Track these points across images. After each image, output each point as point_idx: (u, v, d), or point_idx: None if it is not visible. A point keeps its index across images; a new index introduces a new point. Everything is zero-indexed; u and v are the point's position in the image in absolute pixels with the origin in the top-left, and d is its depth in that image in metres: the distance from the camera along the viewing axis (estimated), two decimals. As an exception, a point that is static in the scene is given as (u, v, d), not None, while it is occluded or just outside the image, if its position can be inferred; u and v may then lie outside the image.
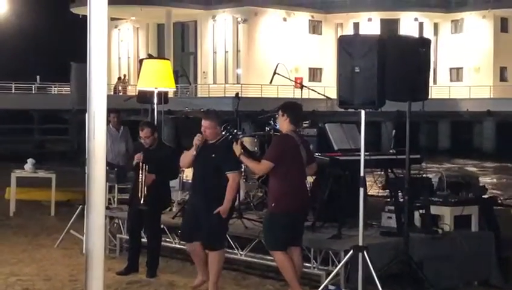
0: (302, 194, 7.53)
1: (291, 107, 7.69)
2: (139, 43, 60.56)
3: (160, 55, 55.55)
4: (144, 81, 9.95)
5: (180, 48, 57.89)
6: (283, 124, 7.58)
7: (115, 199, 12.78)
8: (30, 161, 14.54)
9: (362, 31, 55.12)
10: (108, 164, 13.15)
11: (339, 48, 7.25)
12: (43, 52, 58.93)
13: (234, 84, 51.59)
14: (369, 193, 9.72)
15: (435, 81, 54.63)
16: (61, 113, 46.83)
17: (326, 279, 7.78)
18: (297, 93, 47.36)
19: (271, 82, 10.77)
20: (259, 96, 45.81)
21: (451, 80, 56.09)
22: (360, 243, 7.30)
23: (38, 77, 50.27)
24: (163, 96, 10.70)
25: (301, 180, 7.54)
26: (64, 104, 45.48)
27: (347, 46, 7.15)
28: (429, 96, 7.89)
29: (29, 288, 8.28)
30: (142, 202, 8.61)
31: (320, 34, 57.29)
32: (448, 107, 47.19)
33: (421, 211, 8.51)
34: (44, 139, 46.90)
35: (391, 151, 8.92)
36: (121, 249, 10.32)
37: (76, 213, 10.86)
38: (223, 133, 7.76)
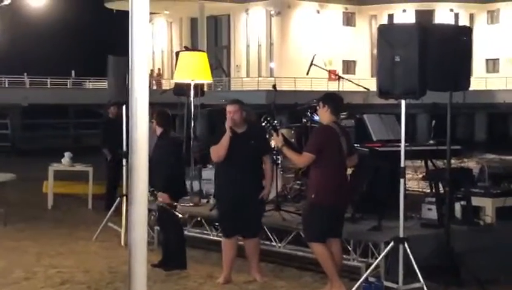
0: (343, 185, 7.46)
1: (332, 98, 7.63)
2: (172, 37, 60.70)
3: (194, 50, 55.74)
4: (180, 73, 9.95)
5: (213, 41, 57.90)
6: (324, 115, 7.52)
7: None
8: (67, 154, 14.64)
9: (397, 21, 54.72)
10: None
11: (378, 38, 7.15)
12: (78, 47, 59.36)
13: (267, 77, 51.52)
14: (408, 185, 9.64)
15: (471, 73, 53.97)
16: (97, 108, 47.19)
17: (366, 271, 7.71)
18: (331, 86, 47.37)
19: (307, 73, 10.71)
20: (293, 89, 45.68)
21: (487, 71, 55.44)
22: (401, 235, 7.21)
23: (73, 71, 50.68)
24: (199, 89, 10.70)
25: (342, 172, 7.47)
26: (99, 99, 45.83)
27: (387, 36, 7.06)
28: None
29: (69, 280, 8.32)
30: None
31: (354, 26, 56.98)
32: (484, 98, 46.68)
33: (462, 202, 8.39)
34: (79, 133, 47.26)
35: (431, 142, 8.81)
36: (159, 242, 10.34)
37: (114, 205, 10.90)
38: (263, 124, 7.75)
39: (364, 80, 45.60)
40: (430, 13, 55.03)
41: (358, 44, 55.04)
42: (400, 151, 7.99)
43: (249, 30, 55.50)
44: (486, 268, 7.92)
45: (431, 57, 7.09)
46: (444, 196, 8.18)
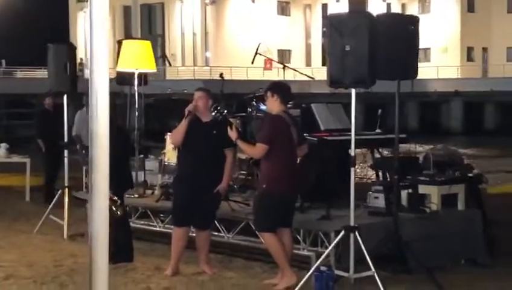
0: (294, 175, 7.43)
1: (280, 88, 7.59)
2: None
3: (127, 37, 55.17)
4: (124, 62, 9.76)
5: (147, 30, 57.39)
6: (273, 104, 7.47)
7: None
8: (3, 145, 14.30)
9: (330, 12, 55.14)
10: (85, 147, 12.98)
11: (328, 27, 7.14)
12: (8, 36, 58.05)
13: (203, 66, 51.36)
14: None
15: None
16: (28, 98, 46.28)
17: (316, 260, 7.72)
18: (267, 75, 47.29)
19: (253, 62, 10.62)
20: (229, 78, 45.60)
21: (419, 61, 56.20)
22: (351, 223, 7.24)
23: (3, 61, 49.58)
24: (143, 78, 10.55)
25: (293, 161, 7.44)
26: (30, 88, 45.03)
27: (337, 24, 7.05)
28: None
29: (12, 274, 8.09)
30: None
31: (289, 15, 57.25)
32: (416, 87, 47.29)
33: (408, 190, 8.47)
34: (12, 124, 46.29)
35: (377, 131, 8.86)
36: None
37: (55, 198, 10.67)
38: (213, 114, 7.67)
39: (299, 69, 45.95)
40: (363, 3, 55.59)
41: (293, 33, 55.29)
42: (348, 140, 8.05)
43: (184, 19, 55.20)
44: (433, 255, 8.03)
45: (380, 46, 7.11)
46: (391, 184, 8.23)
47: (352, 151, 7.23)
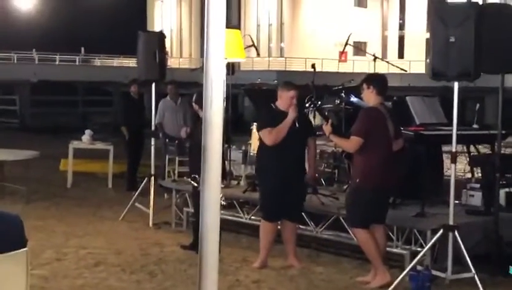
0: (389, 169, 7.18)
1: (376, 79, 7.36)
2: (181, 15, 60.28)
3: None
4: (213, 51, 9.60)
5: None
6: (369, 96, 7.24)
7: (176, 172, 12.57)
8: (88, 132, 14.39)
9: (408, 4, 54.29)
10: (167, 136, 12.95)
11: (432, 17, 6.86)
12: (87, 24, 59.01)
13: (277, 57, 51.15)
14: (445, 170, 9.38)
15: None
16: (105, 85, 46.92)
17: (410, 259, 7.48)
18: (341, 67, 46.72)
19: (343, 52, 10.34)
20: (303, 70, 45.33)
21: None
22: (451, 222, 6.96)
23: (82, 48, 50.38)
24: (231, 68, 10.42)
25: (389, 155, 7.18)
26: (107, 76, 45.68)
27: (442, 14, 6.76)
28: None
29: (102, 261, 8.07)
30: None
31: (366, 7, 56.47)
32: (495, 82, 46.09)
33: (508, 189, 8.12)
34: (88, 111, 47.01)
35: (475, 126, 8.54)
36: (187, 223, 10.12)
37: (141, 186, 10.65)
38: (307, 105, 7.49)
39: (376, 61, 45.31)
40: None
41: (369, 25, 54.54)
42: (445, 135, 7.77)
43: (260, 10, 55.04)
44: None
45: (485, 38, 6.79)
46: (490, 182, 7.91)
47: (453, 147, 6.95)
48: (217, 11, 3.59)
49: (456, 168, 7.28)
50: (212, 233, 3.82)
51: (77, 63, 49.77)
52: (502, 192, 8.22)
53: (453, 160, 6.96)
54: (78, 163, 14.89)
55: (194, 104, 8.49)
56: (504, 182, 8.15)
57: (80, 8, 60.09)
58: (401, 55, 52.05)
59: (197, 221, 8.82)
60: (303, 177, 7.77)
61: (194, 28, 57.05)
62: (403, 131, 7.98)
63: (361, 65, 43.18)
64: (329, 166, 10.40)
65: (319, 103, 7.54)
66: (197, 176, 8.26)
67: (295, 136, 7.64)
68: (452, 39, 6.67)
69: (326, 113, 7.61)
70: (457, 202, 8.56)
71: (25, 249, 4.31)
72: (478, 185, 8.50)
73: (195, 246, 8.68)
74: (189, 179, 8.45)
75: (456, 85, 6.87)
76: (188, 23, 56.69)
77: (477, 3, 6.88)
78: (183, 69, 44.46)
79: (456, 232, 6.85)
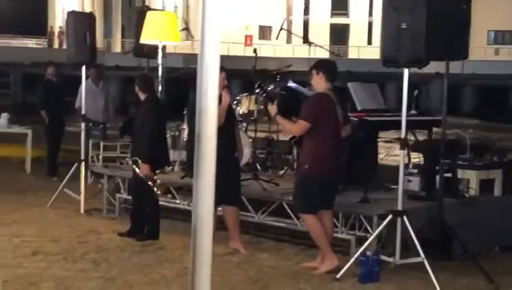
0: (338, 156, 7.19)
1: (326, 65, 7.34)
2: (84, -4, 58.87)
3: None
4: (148, 33, 9.39)
5: (127, 2, 56.57)
6: (319, 82, 7.22)
7: (100, 157, 12.28)
8: (4, 115, 13.90)
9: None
10: (91, 120, 12.60)
11: (384, 3, 6.88)
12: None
13: (184, 40, 50.67)
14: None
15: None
16: (2, 67, 45.44)
17: (355, 244, 7.54)
18: (248, 51, 47.03)
19: (277, 38, 10.32)
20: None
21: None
22: (399, 208, 7.03)
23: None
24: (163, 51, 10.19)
25: (337, 142, 7.19)
26: (5, 57, 44.21)
27: (393, 1, 6.79)
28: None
29: (39, 250, 7.77)
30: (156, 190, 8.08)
31: (271, -9, 56.75)
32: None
33: (446, 174, 8.26)
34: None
35: (413, 112, 8.65)
36: (120, 209, 9.90)
37: (71, 171, 10.32)
38: (257, 91, 7.40)
39: (279, 46, 45.64)
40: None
41: (274, 10, 54.81)
42: (387, 121, 7.85)
43: (165, -8, 54.45)
44: (472, 242, 7.86)
45: (435, 24, 6.86)
46: (429, 167, 8.05)
47: (402, 133, 7.01)
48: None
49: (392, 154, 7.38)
50: (206, 226, 3.67)
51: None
52: (437, 177, 8.35)
53: (403, 146, 7.01)
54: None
55: (136, 87, 8.26)
56: (444, 168, 8.27)
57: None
58: (305, 40, 52.56)
59: (135, 207, 8.63)
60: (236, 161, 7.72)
61: (97, 8, 55.83)
62: (347, 117, 8.01)
63: (267, 49, 43.37)
64: (263, 152, 10.38)
65: (268, 88, 7.46)
66: (138, 159, 8.08)
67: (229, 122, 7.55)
68: (404, 25, 6.71)
69: (271, 94, 7.53)
70: (394, 187, 8.69)
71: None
72: (416, 171, 8.64)
73: (132, 233, 8.50)
74: (131, 163, 8.24)
75: (406, 72, 6.92)
76: (91, 2, 55.42)
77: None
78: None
79: (405, 218, 6.92)
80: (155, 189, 7.81)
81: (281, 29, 10.34)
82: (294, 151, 10.19)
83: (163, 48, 9.72)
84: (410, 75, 6.90)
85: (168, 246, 8.20)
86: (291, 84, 9.31)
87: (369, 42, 55.73)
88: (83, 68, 10.06)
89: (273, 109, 7.25)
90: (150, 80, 8.47)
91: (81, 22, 9.78)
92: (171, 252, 7.94)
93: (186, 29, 10.42)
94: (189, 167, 8.16)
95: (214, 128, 3.70)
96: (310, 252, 8.01)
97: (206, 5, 3.47)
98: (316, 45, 10.46)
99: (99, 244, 8.16)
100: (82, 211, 9.83)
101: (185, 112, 10.12)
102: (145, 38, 9.49)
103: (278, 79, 9.65)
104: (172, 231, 8.84)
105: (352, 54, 52.53)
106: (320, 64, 7.35)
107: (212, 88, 3.64)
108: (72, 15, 9.89)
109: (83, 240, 8.36)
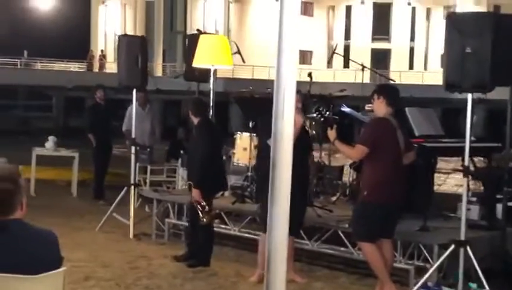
0: (398, 183, 6.98)
1: (387, 89, 7.20)
2: (126, 20, 59.51)
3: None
4: (200, 57, 9.30)
5: (169, 26, 56.96)
6: (379, 107, 7.04)
7: (147, 181, 12.21)
8: (51, 138, 13.89)
9: (354, 14, 54.73)
10: (138, 144, 12.52)
11: (447, 26, 6.69)
12: (31, 27, 57.78)
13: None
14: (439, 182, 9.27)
15: (425, 67, 54.41)
16: (45, 90, 45.95)
17: (414, 274, 7.31)
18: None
19: (329, 62, 10.16)
20: (251, 77, 45.20)
21: (441, 66, 55.56)
22: (462, 237, 6.80)
23: (25, 52, 49.21)
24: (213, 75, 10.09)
25: (398, 168, 6.98)
26: (47, 80, 44.71)
27: (458, 25, 6.60)
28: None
29: (91, 276, 7.68)
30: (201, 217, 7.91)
31: (312, 16, 56.67)
32: (438, 93, 46.81)
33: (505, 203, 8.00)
34: (28, 116, 45.99)
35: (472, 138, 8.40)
36: (169, 234, 9.78)
37: (120, 195, 10.23)
38: (314, 115, 7.26)
39: (319, 70, 45.45)
40: (388, 6, 55.10)
41: (315, 34, 54.75)
42: (445, 147, 7.64)
43: (206, 16, 54.71)
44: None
45: (501, 49, 6.65)
46: (489, 195, 7.81)
47: (466, 160, 6.79)
48: (290, 22, 3.35)
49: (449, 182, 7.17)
50: (280, 253, 3.55)
51: (19, 67, 48.60)
52: (499, 206, 8.11)
53: (466, 174, 6.79)
54: (42, 170, 14.36)
55: (189, 111, 8.16)
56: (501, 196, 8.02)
57: (24, 10, 58.82)
58: (346, 64, 52.30)
59: (191, 232, 8.49)
60: (304, 189, 7.50)
61: (138, 32, 56.33)
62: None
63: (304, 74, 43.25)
64: (314, 177, 10.19)
65: (327, 112, 7.31)
66: (191, 184, 7.96)
67: (298, 146, 7.38)
68: (468, 50, 6.52)
69: (331, 119, 7.38)
70: (452, 215, 8.46)
71: (62, 268, 3.97)
72: (475, 199, 8.39)
73: (187, 258, 8.35)
74: (187, 188, 8.12)
75: (469, 97, 6.72)
76: (133, 27, 55.96)
77: (494, 12, 6.75)
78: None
79: (468, 248, 6.69)
80: (200, 216, 7.66)
81: (333, 53, 10.18)
82: (346, 177, 10.01)
83: (215, 72, 9.60)
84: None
85: (219, 272, 8.04)
86: (345, 108, 9.16)
87: (411, 67, 55.38)
88: (134, 91, 9.98)
89: (332, 134, 7.08)
90: (204, 103, 8.37)
91: (133, 45, 9.73)
92: (224, 279, 7.78)
93: (238, 52, 10.23)
94: (258, 192, 7.99)
95: (289, 153, 3.54)
96: (366, 281, 7.81)
97: (283, 30, 3.35)
98: (373, 70, 10.28)
99: (151, 271, 8.03)
100: (131, 235, 9.72)
101: (235, 136, 10.03)
102: (198, 62, 9.39)
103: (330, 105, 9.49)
104: (222, 258, 8.70)
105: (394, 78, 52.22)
106: (381, 89, 7.20)
107: (288, 112, 3.49)
108: (125, 38, 9.85)
109: (134, 265, 8.24)
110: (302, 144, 7.44)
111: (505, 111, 7.46)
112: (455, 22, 6.64)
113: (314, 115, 7.29)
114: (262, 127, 7.91)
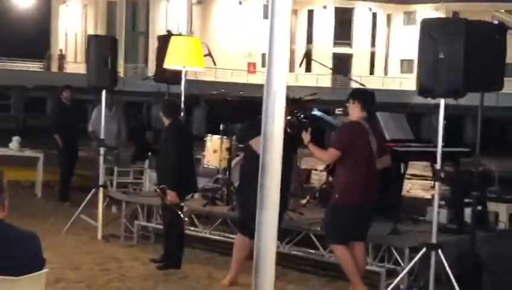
0: (370, 186, 7.03)
1: (362, 93, 7.25)
2: (87, 20, 59.04)
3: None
4: (172, 59, 9.28)
5: (130, 27, 56.64)
6: (354, 111, 7.10)
7: (114, 182, 12.14)
8: (16, 139, 13.73)
9: (316, 18, 55.01)
10: (105, 145, 12.43)
11: (421, 33, 6.77)
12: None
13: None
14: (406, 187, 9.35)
15: (386, 72, 54.90)
16: (3, 90, 45.35)
17: (386, 277, 7.37)
18: (250, 78, 46.82)
19: (300, 65, 10.24)
20: (214, 80, 45.17)
21: (401, 72, 56.32)
22: (433, 241, 6.88)
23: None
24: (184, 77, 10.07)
25: (370, 172, 7.03)
26: (7, 80, 44.13)
27: (431, 31, 6.68)
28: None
29: (62, 277, 7.60)
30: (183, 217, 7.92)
31: (274, 19, 56.79)
32: (399, 98, 47.34)
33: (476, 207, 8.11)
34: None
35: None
36: (138, 236, 9.72)
37: (88, 197, 10.15)
38: (289, 117, 7.27)
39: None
40: (350, 11, 55.50)
41: (277, 38, 54.88)
42: (417, 151, 7.72)
43: (169, 17, 54.52)
44: (506, 276, 7.69)
45: (472, 55, 6.75)
46: (458, 200, 7.91)
47: (438, 164, 6.87)
48: (281, 25, 3.37)
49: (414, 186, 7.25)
50: (269, 257, 3.57)
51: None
52: (468, 210, 8.21)
53: (437, 178, 6.87)
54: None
55: (160, 112, 8.13)
56: (471, 201, 8.13)
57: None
58: (308, 69, 52.50)
59: (166, 234, 8.44)
60: (285, 193, 7.51)
61: (100, 32, 55.94)
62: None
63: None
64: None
65: (302, 115, 7.36)
66: (165, 187, 7.93)
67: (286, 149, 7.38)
68: (441, 55, 6.60)
69: (306, 122, 7.42)
70: (421, 218, 8.56)
71: (44, 270, 3.94)
72: (443, 202, 8.48)
73: (166, 260, 8.29)
74: (158, 191, 8.07)
75: (442, 102, 6.81)
76: (94, 27, 55.53)
77: (467, 19, 6.85)
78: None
79: (440, 251, 6.77)
80: (182, 216, 7.65)
81: (304, 57, 10.22)
82: (314, 180, 10.08)
83: (185, 73, 9.58)
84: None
85: (191, 275, 8.03)
86: (316, 112, 9.20)
87: (371, 72, 55.84)
88: (103, 92, 9.92)
89: (306, 136, 7.12)
90: (175, 105, 8.34)
91: (102, 46, 9.66)
92: (195, 282, 7.77)
93: (209, 55, 10.22)
94: (240, 194, 7.94)
95: (279, 156, 3.56)
96: (336, 284, 7.87)
97: (274, 33, 3.37)
98: (350, 78, 10.35)
99: (122, 273, 7.98)
100: (99, 237, 9.65)
101: (205, 139, 10.02)
102: (169, 64, 9.37)
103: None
104: (193, 260, 8.68)
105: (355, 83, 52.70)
106: (356, 93, 7.26)
107: (279, 117, 3.51)
108: (94, 39, 9.78)
109: (104, 267, 8.19)
110: (288, 147, 7.46)
111: (462, 117, 7.58)
112: (428, 28, 6.72)
113: (289, 117, 7.30)
114: (247, 129, 7.90)
